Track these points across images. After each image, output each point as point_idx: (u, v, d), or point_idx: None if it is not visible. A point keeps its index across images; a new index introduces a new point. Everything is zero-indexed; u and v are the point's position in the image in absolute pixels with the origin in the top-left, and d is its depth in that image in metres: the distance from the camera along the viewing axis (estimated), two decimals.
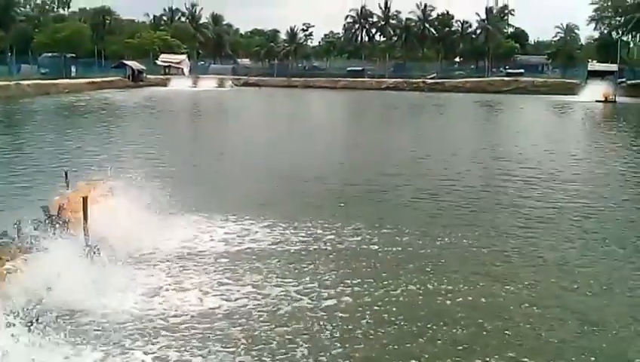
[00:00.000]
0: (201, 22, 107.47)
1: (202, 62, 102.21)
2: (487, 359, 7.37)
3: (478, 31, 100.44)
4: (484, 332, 8.07)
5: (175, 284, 9.34)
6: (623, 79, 68.13)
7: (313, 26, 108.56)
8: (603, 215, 14.34)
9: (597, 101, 56.37)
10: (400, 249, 11.43)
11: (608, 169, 21.28)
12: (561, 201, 15.63)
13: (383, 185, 17.39)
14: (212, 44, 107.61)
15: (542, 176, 19.14)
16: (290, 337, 7.77)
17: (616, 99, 57.87)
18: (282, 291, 9.20)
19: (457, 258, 11.03)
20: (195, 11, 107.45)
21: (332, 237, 11.96)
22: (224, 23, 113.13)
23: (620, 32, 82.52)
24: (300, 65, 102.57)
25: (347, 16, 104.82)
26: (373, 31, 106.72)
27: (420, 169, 20.80)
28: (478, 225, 13.17)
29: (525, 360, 7.38)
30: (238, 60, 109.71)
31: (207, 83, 75.32)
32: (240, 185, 17.50)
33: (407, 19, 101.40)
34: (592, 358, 7.43)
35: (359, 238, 11.96)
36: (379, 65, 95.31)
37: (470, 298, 9.16)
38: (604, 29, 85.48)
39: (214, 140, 29.56)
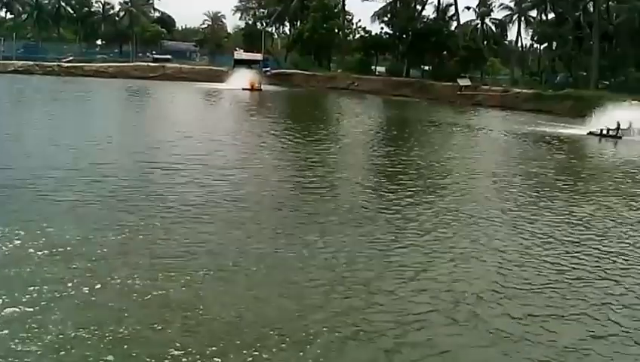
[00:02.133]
0: None
1: None
2: None
3: (122, 13, 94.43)
4: None
5: None
6: (268, 68, 71.48)
7: None
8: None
9: (244, 89, 57.35)
10: None
11: (258, 155, 21.79)
12: (212, 187, 15.86)
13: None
14: None
15: (187, 163, 18.83)
16: None
17: (262, 87, 59.53)
18: None
19: None
20: None
21: None
22: None
23: (264, 23, 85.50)
24: None
25: None
26: None
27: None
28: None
29: None
30: None
31: None
32: None
33: None
34: None
35: None
36: (4, 45, 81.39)
37: None
38: (249, 19, 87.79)
39: None
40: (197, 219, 12.63)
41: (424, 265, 10.86)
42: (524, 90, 55.93)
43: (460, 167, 22.16)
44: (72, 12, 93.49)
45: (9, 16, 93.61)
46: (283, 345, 7.63)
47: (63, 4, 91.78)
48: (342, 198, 15.73)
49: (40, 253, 9.98)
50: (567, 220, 14.85)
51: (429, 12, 76.15)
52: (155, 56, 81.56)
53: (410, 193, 16.72)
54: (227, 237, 11.69)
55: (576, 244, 12.83)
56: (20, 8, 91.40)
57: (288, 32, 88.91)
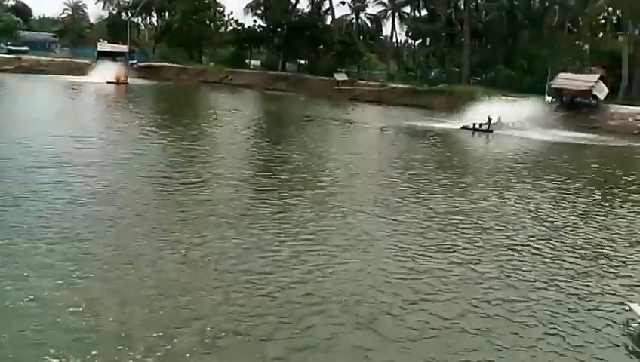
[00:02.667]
0: None
1: None
2: None
3: None
4: None
5: None
6: (135, 60, 67.54)
7: None
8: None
9: (109, 82, 53.84)
10: None
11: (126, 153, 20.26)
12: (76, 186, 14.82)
13: None
14: None
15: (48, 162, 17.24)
16: None
17: (128, 81, 56.05)
18: None
19: None
20: None
21: None
22: None
23: (130, 14, 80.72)
24: None
25: None
26: None
27: None
28: None
29: None
30: None
31: None
32: None
33: None
34: None
35: None
36: None
37: None
38: (113, 9, 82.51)
39: None
40: (63, 220, 11.90)
41: (301, 257, 10.86)
42: (400, 86, 56.23)
43: (337, 162, 22.12)
44: None
45: None
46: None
47: None
48: (216, 195, 15.14)
49: None
50: (444, 210, 15.26)
51: (303, 5, 74.53)
52: (10, 47, 75.21)
53: (286, 188, 16.57)
54: (97, 238, 11.07)
55: (453, 233, 13.19)
56: None
57: (156, 23, 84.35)
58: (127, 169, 17.54)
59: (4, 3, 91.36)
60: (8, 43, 77.44)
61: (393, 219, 13.86)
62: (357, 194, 16.43)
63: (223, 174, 17.95)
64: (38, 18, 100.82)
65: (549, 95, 44.55)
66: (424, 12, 71.02)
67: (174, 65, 68.90)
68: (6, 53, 70.54)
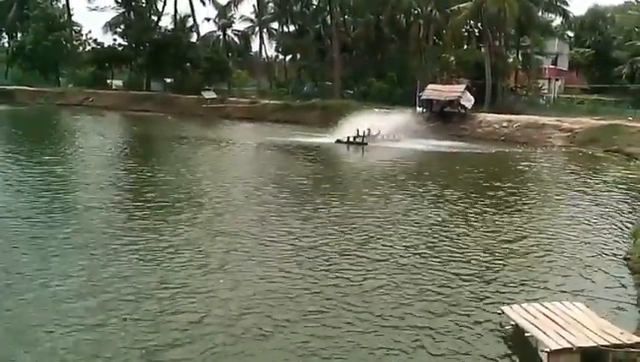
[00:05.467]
0: None
1: None
2: None
3: None
4: None
5: None
6: None
7: None
8: None
9: None
10: None
11: None
12: None
13: None
14: None
15: None
16: None
17: None
18: None
19: None
20: None
21: None
22: None
23: None
24: None
25: None
26: None
27: None
28: None
29: None
30: None
31: None
32: None
33: None
34: None
35: None
36: None
37: None
38: None
39: None
40: None
41: (175, 279, 10.81)
42: (272, 101, 55.53)
43: (210, 181, 21.68)
44: None
45: None
46: None
47: None
48: (80, 221, 14.72)
49: None
50: (322, 224, 15.27)
51: (166, 22, 71.27)
52: None
53: (156, 210, 16.14)
54: None
55: (337, 245, 13.17)
56: None
57: (7, 45, 77.36)
58: None
59: None
60: None
61: (272, 237, 13.77)
62: (232, 213, 16.26)
63: (90, 198, 17.25)
64: None
65: (419, 106, 45.62)
66: (292, 27, 70.74)
67: (29, 88, 64.59)
68: None
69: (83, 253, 12.00)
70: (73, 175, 22.63)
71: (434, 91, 45.05)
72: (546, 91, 59.24)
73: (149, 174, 22.50)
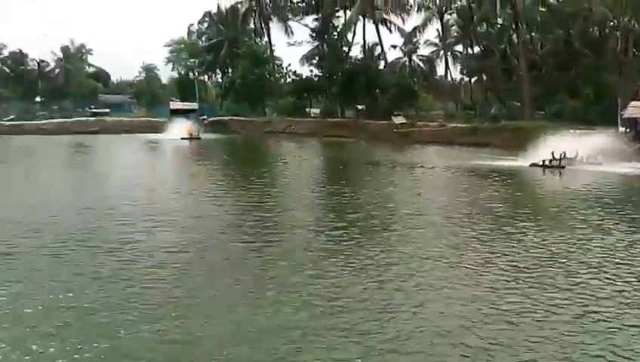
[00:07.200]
0: None
1: None
2: None
3: (57, 70, 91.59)
4: None
5: None
6: (204, 116, 68.20)
7: None
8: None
9: (183, 138, 54.99)
10: None
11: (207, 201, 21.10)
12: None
13: None
14: None
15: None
16: None
17: (200, 135, 57.39)
18: None
19: None
20: None
21: None
22: None
23: (197, 73, 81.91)
24: None
25: None
26: None
27: None
28: None
29: None
30: None
31: None
32: None
33: None
34: None
35: None
36: None
37: None
38: (182, 69, 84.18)
39: None
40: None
41: (385, 301, 10.40)
42: (460, 125, 53.27)
43: (405, 205, 20.87)
44: (8, 71, 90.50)
45: None
46: None
47: None
48: (292, 239, 15.46)
49: None
50: (531, 254, 13.51)
51: (356, 52, 72.73)
52: (94, 110, 78.51)
53: (360, 232, 15.86)
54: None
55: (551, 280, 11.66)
56: None
57: (221, 80, 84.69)
58: (210, 216, 18.33)
59: (85, 70, 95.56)
60: (92, 106, 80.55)
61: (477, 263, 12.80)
62: (433, 238, 15.38)
63: (301, 219, 17.79)
64: (116, 82, 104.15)
65: (622, 125, 40.55)
66: (477, 49, 68.30)
67: (240, 118, 68.85)
68: (90, 116, 73.19)
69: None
70: (283, 195, 24.03)
71: (638, 109, 39.93)
72: None
73: (348, 197, 22.65)
